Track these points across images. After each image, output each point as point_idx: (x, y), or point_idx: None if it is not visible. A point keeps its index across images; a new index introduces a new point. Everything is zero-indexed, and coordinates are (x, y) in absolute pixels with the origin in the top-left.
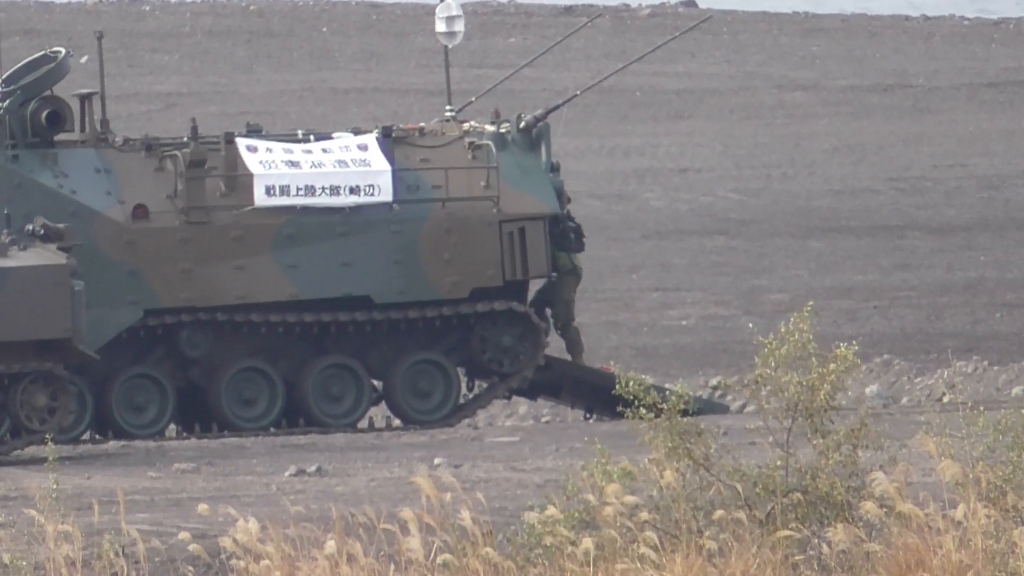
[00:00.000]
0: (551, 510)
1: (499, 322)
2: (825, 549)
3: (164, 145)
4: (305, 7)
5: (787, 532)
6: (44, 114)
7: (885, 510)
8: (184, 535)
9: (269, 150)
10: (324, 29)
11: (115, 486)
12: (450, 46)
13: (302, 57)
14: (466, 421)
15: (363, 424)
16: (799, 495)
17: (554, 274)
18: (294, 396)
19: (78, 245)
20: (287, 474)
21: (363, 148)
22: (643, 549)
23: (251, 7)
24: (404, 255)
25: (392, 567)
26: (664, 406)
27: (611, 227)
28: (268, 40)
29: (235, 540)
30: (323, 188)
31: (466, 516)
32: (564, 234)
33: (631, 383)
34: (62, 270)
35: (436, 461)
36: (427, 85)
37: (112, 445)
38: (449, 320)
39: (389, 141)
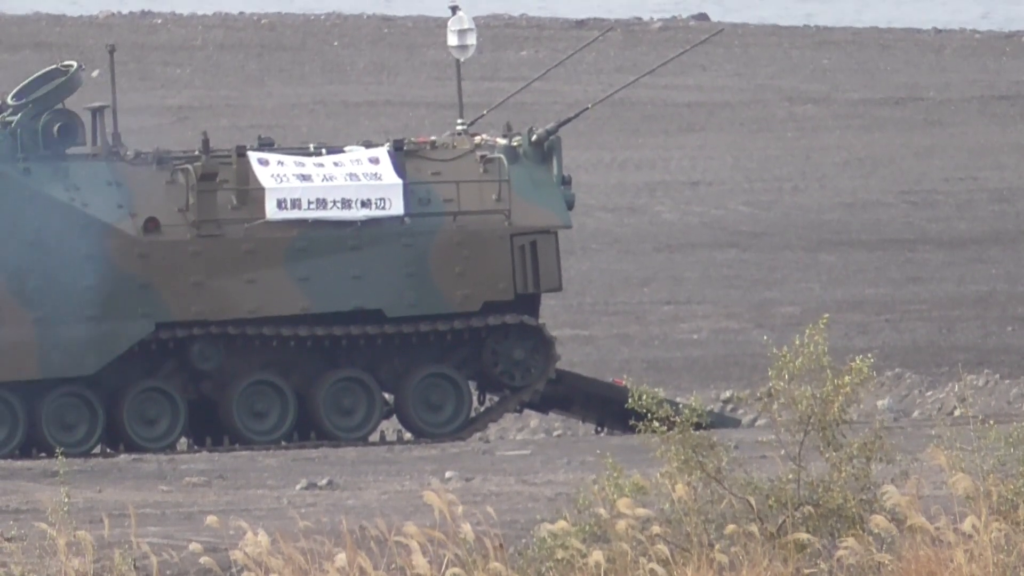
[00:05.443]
0: (562, 523)
1: (511, 335)
2: (835, 561)
3: (176, 158)
4: (316, 20)
5: (799, 535)
6: (56, 127)
7: (896, 523)
8: (195, 547)
9: (281, 163)
10: (336, 42)
11: (126, 499)
12: (462, 59)
13: (314, 70)
14: (477, 434)
15: (374, 437)
16: (810, 508)
17: None
18: (305, 409)
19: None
20: (298, 487)
21: (375, 161)
22: (652, 564)
23: (263, 20)
24: (415, 268)
25: None
26: (677, 419)
27: (622, 240)
28: (280, 53)
29: (246, 553)
30: (335, 201)
31: (473, 529)
32: None
33: (644, 396)
34: None
35: (447, 474)
36: (438, 98)
37: (123, 458)
38: (460, 334)
39: (400, 154)
